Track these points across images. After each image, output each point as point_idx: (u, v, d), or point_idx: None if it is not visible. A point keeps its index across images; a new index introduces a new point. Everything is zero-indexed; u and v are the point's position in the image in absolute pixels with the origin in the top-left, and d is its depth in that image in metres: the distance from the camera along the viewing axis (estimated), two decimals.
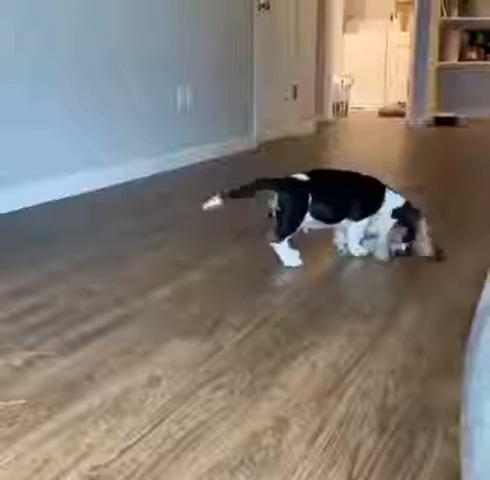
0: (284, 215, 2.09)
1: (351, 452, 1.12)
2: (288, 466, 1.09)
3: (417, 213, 2.21)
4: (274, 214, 2.10)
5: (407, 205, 2.22)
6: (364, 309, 1.81)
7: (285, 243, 2.13)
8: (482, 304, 0.74)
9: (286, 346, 1.55)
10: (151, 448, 1.14)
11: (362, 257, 2.24)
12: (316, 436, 1.17)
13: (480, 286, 0.82)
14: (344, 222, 2.21)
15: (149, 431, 1.19)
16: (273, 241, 2.13)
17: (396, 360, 1.48)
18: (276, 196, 2.08)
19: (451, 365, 1.43)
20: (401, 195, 2.25)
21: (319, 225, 2.19)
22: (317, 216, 2.14)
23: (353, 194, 2.20)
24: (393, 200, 2.23)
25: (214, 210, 2.08)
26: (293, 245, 2.16)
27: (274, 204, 2.09)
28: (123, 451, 1.13)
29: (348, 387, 1.35)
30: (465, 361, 0.74)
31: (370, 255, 2.24)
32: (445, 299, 1.86)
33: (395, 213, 2.21)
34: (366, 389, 1.34)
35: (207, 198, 2.08)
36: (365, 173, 2.29)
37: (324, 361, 1.47)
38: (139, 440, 1.16)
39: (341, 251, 2.29)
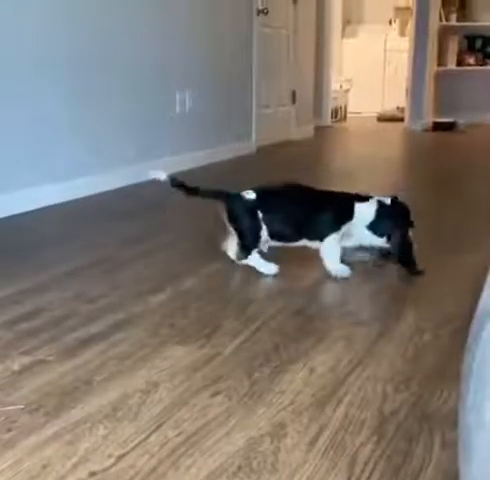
0: (241, 230, 2.07)
1: (349, 458, 1.12)
2: (286, 472, 1.08)
3: (398, 222, 2.10)
4: (230, 229, 2.09)
5: (380, 215, 2.08)
6: (361, 315, 1.81)
7: (255, 255, 2.09)
8: (480, 308, 0.74)
9: (284, 352, 1.55)
10: (149, 454, 1.14)
11: (355, 266, 2.12)
12: (314, 442, 1.17)
13: (476, 291, 0.82)
14: (306, 242, 2.11)
15: (147, 437, 1.19)
16: (241, 258, 2.11)
17: (394, 366, 1.48)
18: (225, 211, 2.07)
19: (449, 371, 1.43)
20: (378, 206, 2.10)
21: (277, 243, 2.13)
22: (270, 234, 2.09)
23: (308, 212, 2.10)
24: (365, 212, 2.09)
25: (157, 181, 2.11)
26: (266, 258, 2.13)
27: (225, 218, 2.08)
28: (121, 457, 1.13)
29: (346, 393, 1.35)
30: (463, 365, 0.74)
31: (350, 277, 2.09)
32: (442, 303, 1.86)
33: (370, 226, 2.09)
34: (364, 395, 1.34)
35: (156, 169, 2.12)
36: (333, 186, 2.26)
37: (322, 367, 1.47)
38: (137, 446, 1.16)
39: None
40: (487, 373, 0.66)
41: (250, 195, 2.09)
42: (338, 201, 2.13)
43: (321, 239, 2.08)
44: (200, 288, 2.02)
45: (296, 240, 2.12)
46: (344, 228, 2.08)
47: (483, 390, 0.66)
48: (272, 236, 2.10)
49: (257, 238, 2.08)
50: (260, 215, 2.06)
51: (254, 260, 2.11)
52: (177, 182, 2.11)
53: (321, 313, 1.81)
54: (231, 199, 2.10)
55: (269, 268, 2.11)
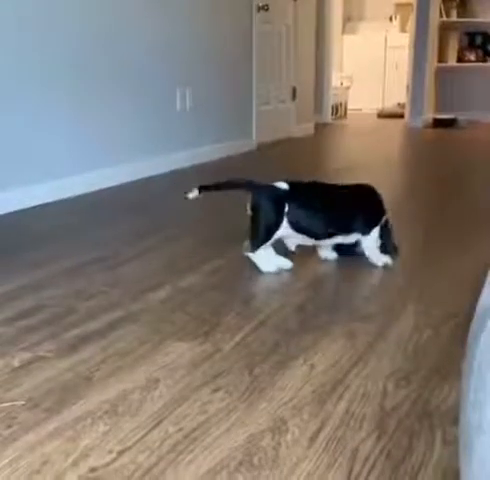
0: (257, 223, 2.03)
1: (350, 454, 1.12)
2: (287, 467, 1.08)
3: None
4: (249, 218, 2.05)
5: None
6: (362, 311, 1.81)
7: (260, 251, 2.06)
8: (481, 305, 0.74)
9: (284, 348, 1.55)
10: (149, 449, 1.14)
11: (358, 261, 2.16)
12: (315, 438, 1.17)
13: (476, 289, 0.82)
14: (341, 238, 2.12)
15: (147, 433, 1.19)
16: (246, 251, 2.08)
17: (395, 362, 1.48)
18: (251, 199, 2.03)
19: (450, 367, 1.43)
20: None
21: (306, 241, 2.10)
22: (298, 230, 2.05)
23: (350, 208, 2.11)
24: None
25: (195, 199, 2.08)
26: (276, 252, 2.12)
27: (249, 206, 2.05)
28: (121, 452, 1.13)
29: (347, 389, 1.35)
30: (464, 363, 0.74)
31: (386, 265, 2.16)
32: (443, 301, 1.86)
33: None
34: (365, 391, 1.34)
35: (189, 189, 2.07)
36: (355, 182, 2.23)
37: (323, 363, 1.47)
38: (137, 441, 1.16)
39: (326, 259, 2.22)
40: (487, 372, 0.65)
41: (283, 186, 2.05)
42: (374, 194, 2.16)
43: (366, 234, 2.11)
44: (201, 284, 2.02)
45: (329, 237, 2.11)
46: (383, 219, 2.14)
47: (484, 389, 0.65)
48: (299, 230, 2.05)
49: (270, 236, 2.04)
50: (286, 207, 2.01)
51: (256, 256, 2.08)
52: (205, 187, 2.07)
53: (322, 309, 1.81)
54: (260, 188, 2.05)
55: (269, 265, 2.09)
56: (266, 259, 2.09)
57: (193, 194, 2.06)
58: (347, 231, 2.11)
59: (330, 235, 2.10)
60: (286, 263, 2.12)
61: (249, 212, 2.04)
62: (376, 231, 2.13)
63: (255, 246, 2.06)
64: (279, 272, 2.09)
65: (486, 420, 0.64)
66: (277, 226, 2.02)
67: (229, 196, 2.14)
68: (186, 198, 2.06)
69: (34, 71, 3.10)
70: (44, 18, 3.13)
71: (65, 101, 3.30)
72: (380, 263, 2.14)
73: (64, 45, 3.27)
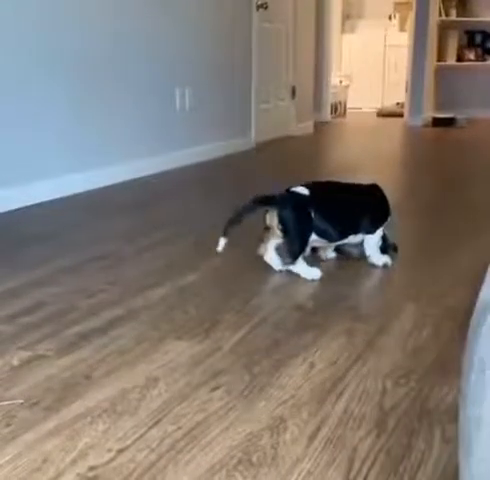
0: (291, 234, 1.98)
1: (349, 452, 1.12)
2: (286, 466, 1.08)
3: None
4: (278, 232, 1.99)
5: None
6: (361, 309, 1.81)
7: (300, 260, 2.02)
8: (480, 301, 0.74)
9: (284, 346, 1.55)
10: (149, 448, 1.14)
11: (360, 260, 2.17)
12: (314, 436, 1.17)
13: (476, 287, 0.82)
14: (351, 238, 2.11)
15: (147, 431, 1.19)
16: (287, 263, 2.03)
17: (394, 360, 1.48)
18: (276, 213, 1.98)
19: (449, 365, 1.43)
20: None
21: (321, 243, 2.10)
22: (320, 234, 2.03)
23: (360, 208, 2.11)
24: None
25: (227, 247, 2.01)
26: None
27: (274, 222, 1.98)
28: (121, 451, 1.13)
29: (346, 387, 1.35)
30: (463, 359, 0.74)
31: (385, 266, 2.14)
32: (442, 298, 1.86)
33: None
34: (364, 389, 1.34)
35: (216, 240, 2.02)
36: (365, 182, 2.23)
37: (322, 361, 1.47)
38: (137, 440, 1.16)
39: (326, 258, 2.21)
40: (487, 367, 0.65)
41: (303, 191, 2.03)
42: (381, 193, 2.17)
43: (371, 233, 2.11)
44: (201, 283, 2.02)
45: (343, 238, 2.10)
46: (389, 219, 2.15)
47: (483, 384, 0.65)
48: (320, 234, 2.03)
49: (306, 242, 2.01)
50: (313, 214, 2.00)
51: (300, 266, 2.03)
52: (231, 223, 2.00)
53: (321, 308, 1.81)
54: (283, 200, 2.01)
55: (315, 273, 2.03)
56: (308, 267, 2.04)
57: (222, 244, 2.00)
58: (356, 231, 2.11)
59: (343, 236, 2.10)
60: (318, 271, 2.06)
61: (278, 226, 1.99)
62: (380, 231, 2.13)
63: (294, 257, 2.01)
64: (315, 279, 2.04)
65: (485, 415, 0.64)
66: (310, 232, 2.01)
67: (228, 195, 2.13)
68: (218, 252, 2.01)
69: (33, 71, 3.10)
70: (44, 18, 3.13)
71: (65, 99, 3.30)
72: (380, 263, 2.14)
73: (63, 44, 3.26)
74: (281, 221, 1.98)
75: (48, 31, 3.16)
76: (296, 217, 1.99)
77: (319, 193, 2.05)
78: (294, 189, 2.04)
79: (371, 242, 2.13)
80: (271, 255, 2.07)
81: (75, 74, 3.36)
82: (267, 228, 2.02)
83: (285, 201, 2.00)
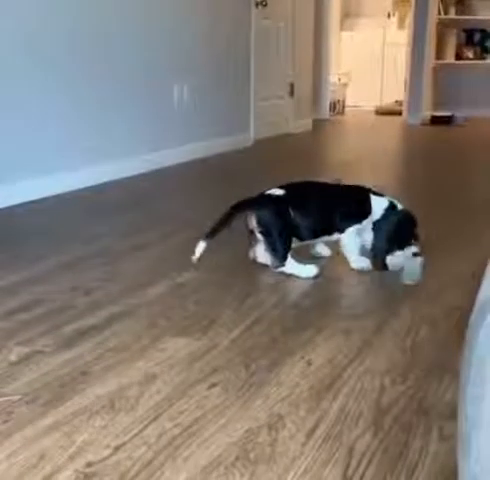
0: (271, 235, 1.98)
1: (346, 450, 1.12)
2: (283, 463, 1.09)
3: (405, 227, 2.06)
4: (258, 235, 2.00)
5: (386, 216, 2.06)
6: (359, 307, 1.81)
7: (290, 260, 2.01)
8: (480, 299, 0.74)
9: (281, 344, 1.55)
10: (146, 445, 1.14)
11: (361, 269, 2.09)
12: (312, 433, 1.17)
13: (474, 286, 0.82)
14: (325, 237, 2.10)
15: (144, 428, 1.19)
16: (276, 267, 2.02)
17: (392, 358, 1.48)
18: (254, 216, 1.99)
19: (447, 363, 1.43)
20: (388, 204, 2.08)
21: (294, 243, 2.05)
22: (296, 234, 2.03)
23: (333, 208, 2.07)
24: (376, 209, 2.08)
25: (202, 253, 2.00)
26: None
27: (253, 224, 1.99)
28: (118, 448, 1.13)
29: (344, 385, 1.35)
30: (462, 358, 0.74)
31: (370, 270, 2.08)
32: (440, 298, 1.86)
33: (387, 213, 2.07)
34: (362, 387, 1.34)
35: (192, 250, 2.00)
36: (349, 181, 2.20)
37: (320, 359, 1.47)
38: (134, 437, 1.16)
39: (320, 255, 2.19)
40: (486, 365, 0.65)
41: (278, 192, 2.03)
42: (360, 193, 2.11)
43: (342, 231, 2.06)
44: (198, 280, 2.02)
45: (315, 238, 2.08)
46: (365, 222, 2.06)
47: (482, 383, 0.66)
48: (298, 234, 2.03)
49: (288, 241, 2.00)
50: (292, 213, 2.00)
51: (290, 267, 2.01)
52: (212, 232, 2.00)
53: (319, 306, 1.81)
54: (259, 202, 2.02)
55: (310, 271, 2.02)
56: (301, 266, 2.02)
57: (200, 249, 1.99)
58: (329, 231, 2.08)
59: (314, 235, 2.08)
60: (315, 268, 2.04)
61: (258, 228, 1.99)
62: (353, 230, 2.06)
63: (281, 259, 2.00)
64: (318, 277, 2.02)
65: (484, 414, 0.64)
66: (290, 231, 2.00)
67: (225, 194, 2.13)
68: (194, 260, 2.00)
69: (28, 68, 3.09)
70: (40, 13, 3.12)
71: (63, 97, 3.29)
72: (354, 265, 2.08)
73: (60, 40, 3.26)
74: (259, 223, 1.99)
75: (43, 27, 3.16)
76: (273, 217, 1.99)
77: (294, 192, 2.05)
78: (269, 192, 2.05)
79: (344, 242, 2.07)
80: (264, 256, 2.06)
81: (71, 72, 3.35)
82: (252, 232, 2.03)
83: (261, 203, 2.02)
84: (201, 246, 1.99)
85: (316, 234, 2.08)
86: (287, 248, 2.00)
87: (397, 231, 2.05)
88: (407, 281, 1.97)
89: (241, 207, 2.01)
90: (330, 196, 2.11)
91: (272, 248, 2.00)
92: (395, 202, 2.10)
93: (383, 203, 2.09)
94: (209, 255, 2.23)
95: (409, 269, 1.99)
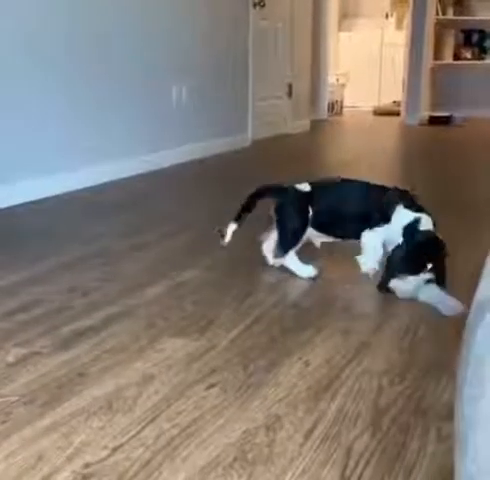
0: (283, 227, 1.99)
1: (344, 450, 1.12)
2: (281, 464, 1.09)
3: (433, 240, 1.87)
4: (274, 223, 2.01)
5: (404, 234, 1.87)
6: (357, 308, 1.81)
7: (292, 255, 2.01)
8: (477, 299, 0.74)
9: (280, 344, 1.55)
10: (144, 445, 1.14)
11: (353, 259, 2.03)
12: (309, 434, 1.17)
13: (472, 287, 0.82)
14: (350, 241, 2.02)
15: (142, 428, 1.19)
16: (277, 256, 2.02)
17: (390, 358, 1.48)
18: (274, 204, 1.99)
19: (444, 364, 1.44)
20: (411, 221, 1.88)
21: (329, 239, 2.05)
22: (322, 229, 2.01)
23: (363, 207, 1.97)
24: (404, 213, 1.90)
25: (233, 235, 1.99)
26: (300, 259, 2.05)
27: (272, 211, 2.00)
28: (116, 448, 1.13)
29: (342, 385, 1.35)
30: (459, 358, 0.74)
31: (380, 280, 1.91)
32: None
33: (405, 231, 1.88)
34: (360, 387, 1.34)
35: (222, 232, 1.99)
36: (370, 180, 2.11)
37: (318, 360, 1.47)
38: (132, 437, 1.16)
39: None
40: (484, 365, 0.65)
41: (305, 187, 2.01)
42: (384, 201, 1.95)
43: (371, 228, 1.95)
44: (197, 280, 2.02)
45: (349, 237, 2.01)
46: (379, 229, 1.93)
47: (479, 383, 0.66)
48: (323, 230, 2.01)
49: (297, 238, 2.00)
50: (311, 211, 1.98)
51: (290, 262, 2.02)
52: (238, 216, 1.99)
53: (317, 307, 1.81)
54: (283, 192, 2.02)
55: (309, 271, 2.02)
56: (301, 264, 2.02)
57: (230, 231, 1.98)
58: (349, 235, 2.02)
59: (336, 235, 2.04)
60: (314, 269, 2.03)
61: (273, 215, 2.00)
62: (374, 232, 1.94)
63: (284, 250, 2.00)
64: (315, 278, 2.02)
65: (481, 414, 0.64)
66: (304, 229, 1.99)
67: (224, 193, 2.13)
68: (224, 244, 1.99)
69: (27, 68, 3.09)
70: (40, 15, 3.12)
71: (62, 98, 3.29)
72: (362, 267, 2.00)
73: (60, 41, 3.26)
74: (276, 212, 2.00)
75: (42, 28, 3.15)
76: (291, 211, 2.00)
77: (319, 191, 2.02)
78: (298, 185, 2.04)
79: (362, 241, 1.97)
80: (271, 245, 2.07)
81: (70, 72, 3.35)
82: (270, 217, 2.03)
83: (284, 194, 2.02)
84: (231, 228, 1.99)
85: (335, 234, 2.04)
86: (293, 244, 2.00)
87: (411, 254, 1.85)
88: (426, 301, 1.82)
89: (265, 193, 2.03)
90: (354, 199, 2.01)
91: (280, 239, 2.01)
92: (423, 220, 1.88)
93: (405, 218, 1.89)
94: (207, 255, 2.23)
95: (426, 297, 1.81)
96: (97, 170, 3.55)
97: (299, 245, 2.03)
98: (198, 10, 4.45)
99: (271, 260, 2.09)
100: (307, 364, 1.45)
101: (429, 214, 1.90)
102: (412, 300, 1.83)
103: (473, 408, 0.65)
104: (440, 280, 1.84)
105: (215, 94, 4.76)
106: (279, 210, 2.00)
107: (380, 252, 1.95)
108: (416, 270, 1.82)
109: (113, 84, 3.68)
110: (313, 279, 2.02)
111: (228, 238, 1.99)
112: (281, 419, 1.22)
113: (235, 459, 1.10)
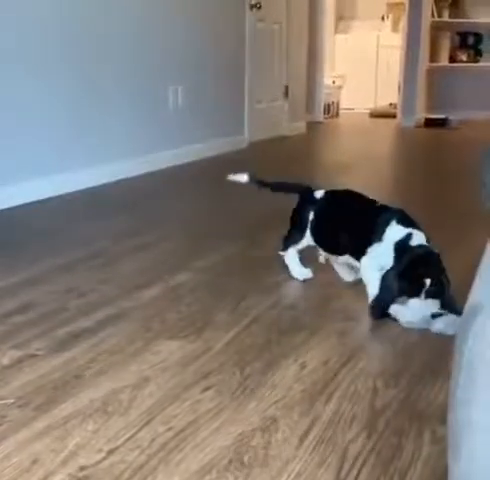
0: (290, 225, 2.04)
1: (340, 452, 1.12)
2: (277, 466, 1.09)
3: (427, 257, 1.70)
4: None
5: (396, 251, 1.73)
6: (353, 311, 1.81)
7: (293, 254, 2.03)
8: (469, 303, 0.74)
9: (276, 346, 1.55)
10: (139, 448, 1.14)
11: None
12: (305, 436, 1.17)
13: (465, 287, 0.82)
14: (341, 258, 1.93)
15: (137, 431, 1.19)
16: (280, 250, 2.06)
17: (385, 361, 1.48)
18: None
19: (439, 366, 1.44)
20: (403, 237, 1.73)
21: (325, 252, 2.00)
22: (315, 240, 1.98)
23: (358, 223, 1.87)
24: (396, 229, 1.76)
25: (235, 183, 2.06)
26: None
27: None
28: (111, 451, 1.13)
29: (337, 387, 1.35)
30: (453, 360, 0.74)
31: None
32: None
33: (396, 248, 1.73)
34: (355, 390, 1.34)
35: (235, 172, 2.07)
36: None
37: (313, 362, 1.47)
38: (127, 440, 1.16)
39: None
40: (475, 369, 0.66)
41: (319, 194, 2.01)
42: (377, 217, 1.81)
43: (356, 255, 1.84)
44: (192, 282, 2.02)
45: (339, 254, 1.93)
46: (370, 249, 1.80)
47: (472, 386, 0.66)
48: (316, 241, 1.98)
49: (295, 238, 2.02)
50: (310, 217, 1.97)
51: (289, 259, 2.05)
52: (257, 180, 2.07)
53: (313, 308, 1.81)
54: (296, 190, 2.05)
55: (300, 273, 2.04)
56: (297, 265, 2.04)
57: (239, 177, 2.05)
58: (339, 251, 1.94)
59: (329, 251, 1.97)
60: (308, 273, 2.05)
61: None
62: (367, 261, 1.81)
63: (283, 246, 2.05)
64: (305, 280, 2.02)
65: (474, 417, 0.64)
66: (304, 230, 1.99)
67: (220, 195, 2.13)
68: (229, 177, 2.04)
69: (26, 70, 3.08)
70: (36, 17, 3.12)
71: (59, 99, 3.29)
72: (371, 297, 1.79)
73: (59, 43, 3.25)
74: (294, 210, 2.04)
75: (41, 29, 3.15)
76: (295, 211, 2.03)
77: (325, 201, 1.98)
78: (315, 189, 2.03)
79: (362, 264, 1.83)
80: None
81: (69, 74, 3.34)
82: None
83: (297, 192, 2.05)
84: (243, 177, 2.05)
85: (329, 249, 1.97)
86: (291, 241, 2.03)
87: (405, 273, 1.68)
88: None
89: (281, 188, 2.09)
90: (350, 214, 1.92)
91: (287, 232, 2.05)
92: (415, 235, 1.74)
93: (397, 234, 1.74)
94: (203, 257, 2.23)
95: (441, 328, 1.62)
96: (96, 171, 3.55)
97: (299, 246, 2.02)
98: (194, 12, 4.45)
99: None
100: (303, 366, 1.45)
101: (421, 230, 1.77)
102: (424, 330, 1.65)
103: (466, 411, 0.65)
104: (444, 299, 1.66)
105: (212, 96, 4.76)
106: (295, 207, 2.04)
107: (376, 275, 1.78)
108: (414, 290, 1.64)
109: (112, 86, 3.67)
110: (303, 281, 2.03)
111: (233, 178, 2.05)
112: (277, 421, 1.22)
113: (230, 462, 1.10)
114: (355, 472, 1.07)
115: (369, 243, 1.78)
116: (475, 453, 0.62)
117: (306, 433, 1.18)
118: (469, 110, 7.23)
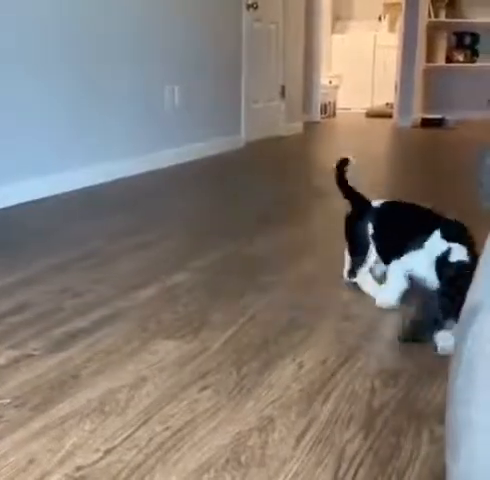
0: (349, 241, 1.87)
1: (337, 452, 1.12)
2: (274, 466, 1.08)
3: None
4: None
5: (438, 268, 1.61)
6: (351, 310, 1.81)
7: (367, 276, 1.86)
8: (468, 302, 0.74)
9: (273, 346, 1.55)
10: (137, 448, 1.13)
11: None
12: (302, 436, 1.17)
13: None
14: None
15: (134, 431, 1.18)
16: (348, 276, 1.90)
17: (383, 361, 1.48)
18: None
19: (437, 366, 1.44)
20: (444, 251, 1.61)
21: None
22: (378, 251, 1.84)
23: (399, 235, 1.79)
24: (438, 242, 1.65)
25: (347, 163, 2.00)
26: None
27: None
28: (108, 451, 1.12)
29: (335, 387, 1.35)
30: (452, 361, 0.74)
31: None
32: None
33: (438, 263, 1.62)
34: (353, 389, 1.34)
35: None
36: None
37: (311, 361, 1.47)
38: (124, 440, 1.16)
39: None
40: (475, 369, 0.65)
41: (376, 203, 1.88)
42: (425, 227, 1.72)
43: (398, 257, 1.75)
44: (189, 282, 2.01)
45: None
46: (405, 257, 1.73)
47: (471, 386, 0.66)
48: (378, 252, 1.85)
49: (361, 255, 1.85)
50: (370, 230, 1.85)
51: (365, 283, 1.86)
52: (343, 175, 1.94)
53: (311, 308, 1.80)
54: (353, 201, 1.90)
55: (387, 295, 1.78)
56: (378, 287, 1.84)
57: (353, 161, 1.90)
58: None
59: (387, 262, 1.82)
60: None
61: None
62: (406, 259, 1.74)
63: (350, 272, 1.89)
64: (397, 307, 1.77)
65: (474, 417, 0.64)
66: (367, 243, 1.84)
67: (217, 194, 2.13)
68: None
69: (24, 70, 3.08)
70: (35, 17, 3.11)
71: (57, 99, 3.28)
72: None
73: (58, 42, 3.25)
74: (346, 221, 1.91)
75: (40, 29, 3.15)
76: (348, 225, 1.90)
77: (382, 211, 1.87)
78: (374, 200, 1.90)
79: (390, 268, 1.79)
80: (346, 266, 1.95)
81: (67, 73, 3.34)
82: None
83: (352, 203, 1.90)
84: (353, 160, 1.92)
85: (387, 261, 1.82)
86: (359, 261, 1.86)
87: (449, 293, 1.50)
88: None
89: (349, 195, 1.93)
90: (404, 223, 1.83)
91: (350, 256, 1.89)
92: (456, 249, 1.61)
93: (438, 248, 1.63)
94: (200, 256, 2.22)
95: None
96: (94, 170, 3.54)
97: (369, 264, 1.86)
98: (191, 12, 4.45)
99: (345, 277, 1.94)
100: (300, 366, 1.44)
101: (465, 244, 1.63)
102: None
103: (465, 411, 0.65)
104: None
105: (208, 96, 4.76)
106: (347, 220, 1.90)
107: (403, 285, 1.75)
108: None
109: (111, 86, 3.67)
110: (388, 308, 1.77)
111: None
112: (274, 421, 1.22)
113: (228, 461, 1.09)
114: (352, 472, 1.07)
115: (407, 250, 1.71)
116: (475, 453, 0.62)
117: (303, 433, 1.18)
118: (466, 110, 7.24)
